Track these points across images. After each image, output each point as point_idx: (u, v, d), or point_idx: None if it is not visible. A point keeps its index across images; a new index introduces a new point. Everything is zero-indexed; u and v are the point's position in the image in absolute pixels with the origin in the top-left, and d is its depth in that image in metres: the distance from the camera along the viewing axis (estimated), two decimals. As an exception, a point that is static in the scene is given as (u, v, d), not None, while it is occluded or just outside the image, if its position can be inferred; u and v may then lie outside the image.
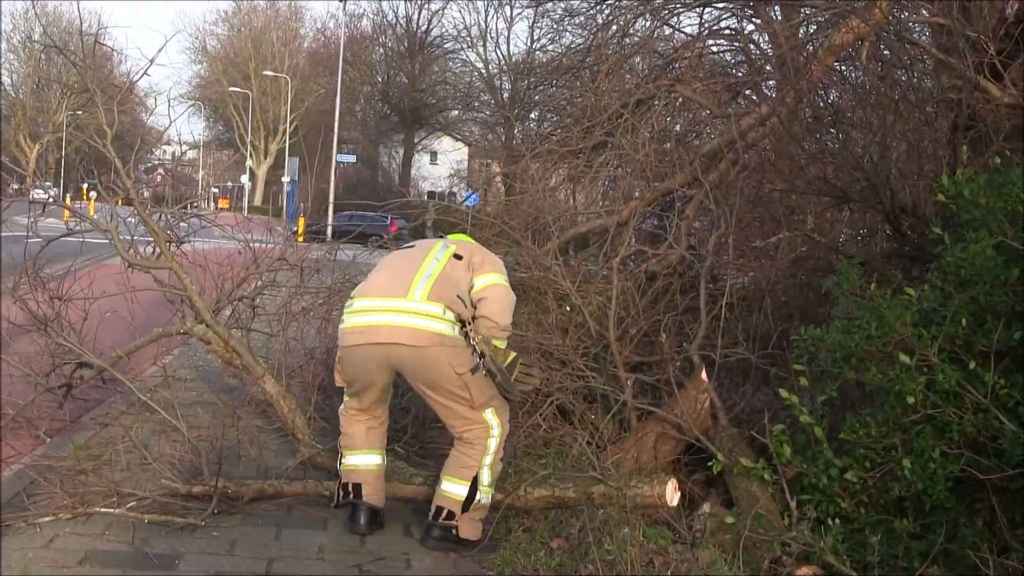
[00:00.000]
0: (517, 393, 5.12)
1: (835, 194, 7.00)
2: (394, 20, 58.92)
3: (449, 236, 5.50)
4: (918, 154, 6.81)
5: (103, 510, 4.89)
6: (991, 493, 4.42)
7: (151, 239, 6.00)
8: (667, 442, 5.83)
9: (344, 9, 51.37)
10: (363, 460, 5.02)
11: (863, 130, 7.33)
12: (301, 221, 47.17)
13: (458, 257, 4.92)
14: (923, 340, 4.61)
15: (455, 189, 53.59)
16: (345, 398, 5.10)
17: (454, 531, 4.87)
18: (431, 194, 48.32)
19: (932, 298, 4.83)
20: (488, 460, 4.88)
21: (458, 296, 4.79)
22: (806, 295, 7.09)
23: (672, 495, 5.38)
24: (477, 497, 4.88)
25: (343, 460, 5.07)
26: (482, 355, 4.81)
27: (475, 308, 4.88)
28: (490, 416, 4.88)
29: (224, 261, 6.90)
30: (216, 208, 49.04)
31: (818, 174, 7.06)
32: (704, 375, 5.83)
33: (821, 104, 8.12)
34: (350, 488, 5.00)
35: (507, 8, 51.03)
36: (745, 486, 5.18)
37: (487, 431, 4.87)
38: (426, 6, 56.69)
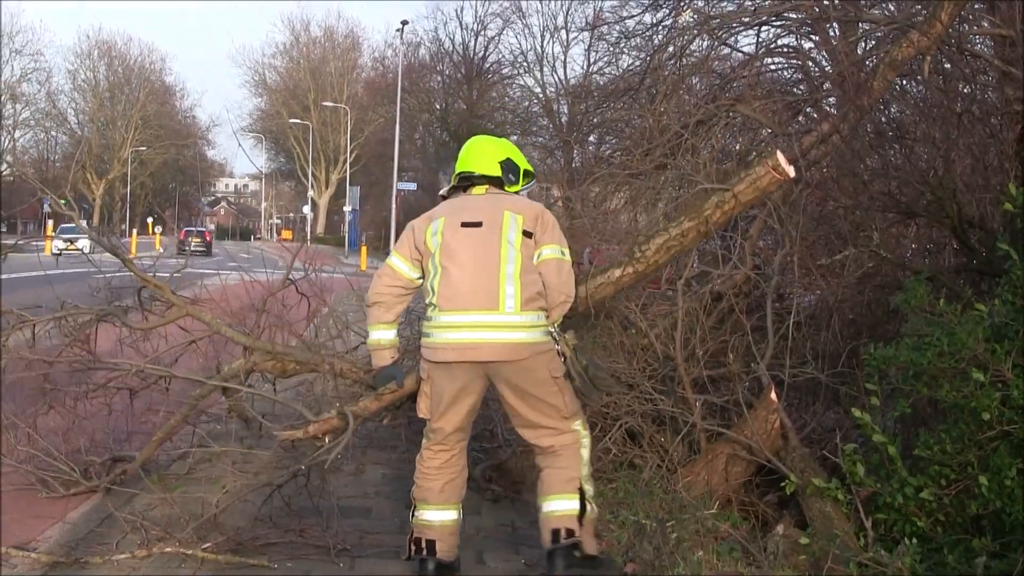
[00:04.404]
0: (597, 397, 5.02)
1: (900, 209, 6.95)
2: (451, 48, 59.38)
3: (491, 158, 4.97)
4: (984, 167, 6.74)
5: (180, 549, 4.89)
6: (1073, 510, 4.37)
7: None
8: (738, 463, 5.83)
9: (402, 38, 52.08)
10: (438, 516, 4.71)
11: (927, 144, 7.27)
12: (363, 249, 47.82)
13: (527, 235, 4.65)
14: (996, 355, 4.57)
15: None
16: (424, 440, 4.82)
17: (578, 550, 4.62)
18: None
19: (1003, 313, 4.78)
20: (585, 471, 4.72)
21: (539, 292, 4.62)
22: (874, 312, 7.03)
23: (787, 165, 5.28)
24: (588, 508, 4.67)
25: (416, 514, 4.75)
26: (564, 357, 4.69)
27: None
28: (579, 426, 4.74)
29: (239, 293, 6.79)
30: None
31: (882, 190, 7.02)
32: (773, 395, 5.81)
33: (883, 120, 8.07)
34: (423, 544, 4.70)
35: (563, 32, 51.23)
36: (819, 506, 5.14)
37: (577, 440, 4.71)
38: (482, 33, 57.08)
